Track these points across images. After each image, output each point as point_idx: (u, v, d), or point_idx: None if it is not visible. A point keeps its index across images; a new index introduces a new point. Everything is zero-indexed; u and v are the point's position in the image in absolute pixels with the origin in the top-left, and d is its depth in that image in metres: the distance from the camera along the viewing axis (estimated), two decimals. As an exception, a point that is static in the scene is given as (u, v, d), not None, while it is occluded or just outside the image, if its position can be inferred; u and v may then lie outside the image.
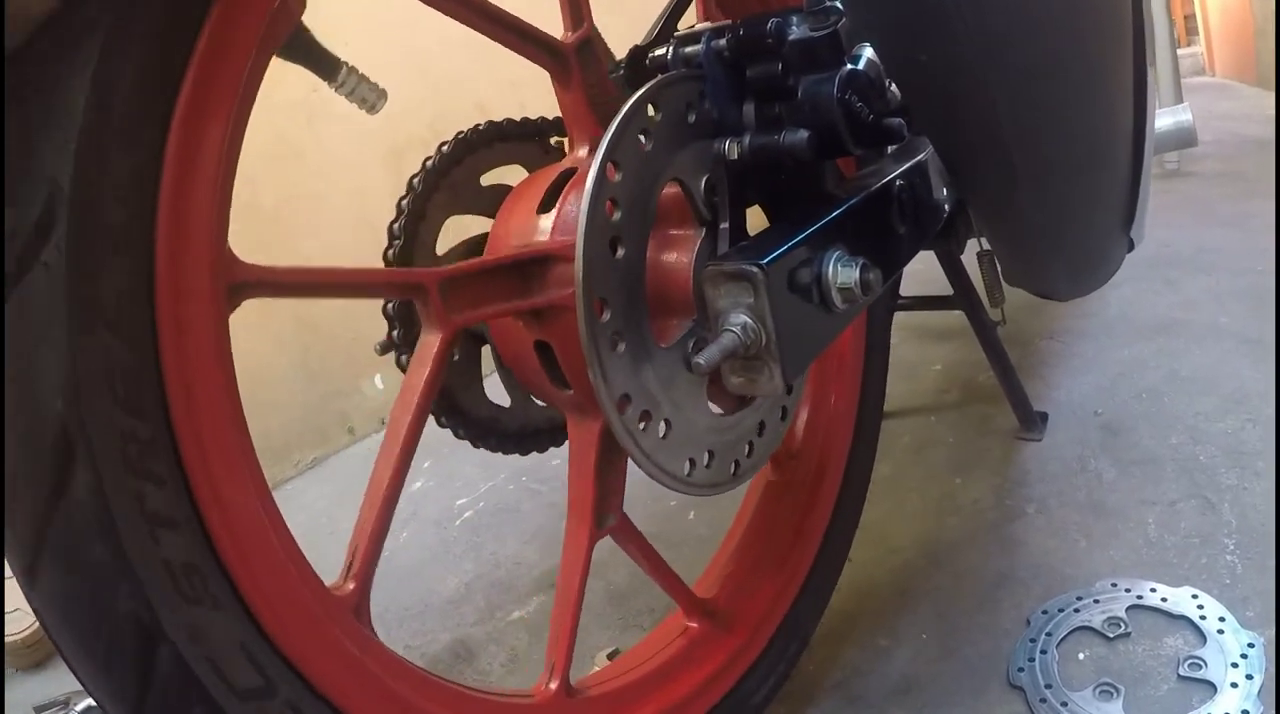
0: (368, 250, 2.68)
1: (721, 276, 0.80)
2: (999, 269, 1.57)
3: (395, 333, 1.06)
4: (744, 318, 0.80)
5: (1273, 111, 5.70)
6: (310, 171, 2.72)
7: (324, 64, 1.20)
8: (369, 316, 2.90)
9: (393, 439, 0.88)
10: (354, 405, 2.89)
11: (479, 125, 1.13)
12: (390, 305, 1.05)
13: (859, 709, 1.32)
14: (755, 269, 0.79)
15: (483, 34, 0.99)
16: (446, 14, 0.94)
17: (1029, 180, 0.93)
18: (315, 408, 2.73)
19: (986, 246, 1.63)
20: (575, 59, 1.02)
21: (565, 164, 1.03)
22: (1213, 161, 4.28)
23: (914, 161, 1.06)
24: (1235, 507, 1.57)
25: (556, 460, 2.36)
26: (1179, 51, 6.03)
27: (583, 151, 1.03)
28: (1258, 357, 2.12)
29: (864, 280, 0.86)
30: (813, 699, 1.35)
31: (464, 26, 0.95)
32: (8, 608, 1.89)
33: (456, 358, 1.17)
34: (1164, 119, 2.86)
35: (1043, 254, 1.13)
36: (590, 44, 1.03)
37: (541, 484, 2.24)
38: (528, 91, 3.32)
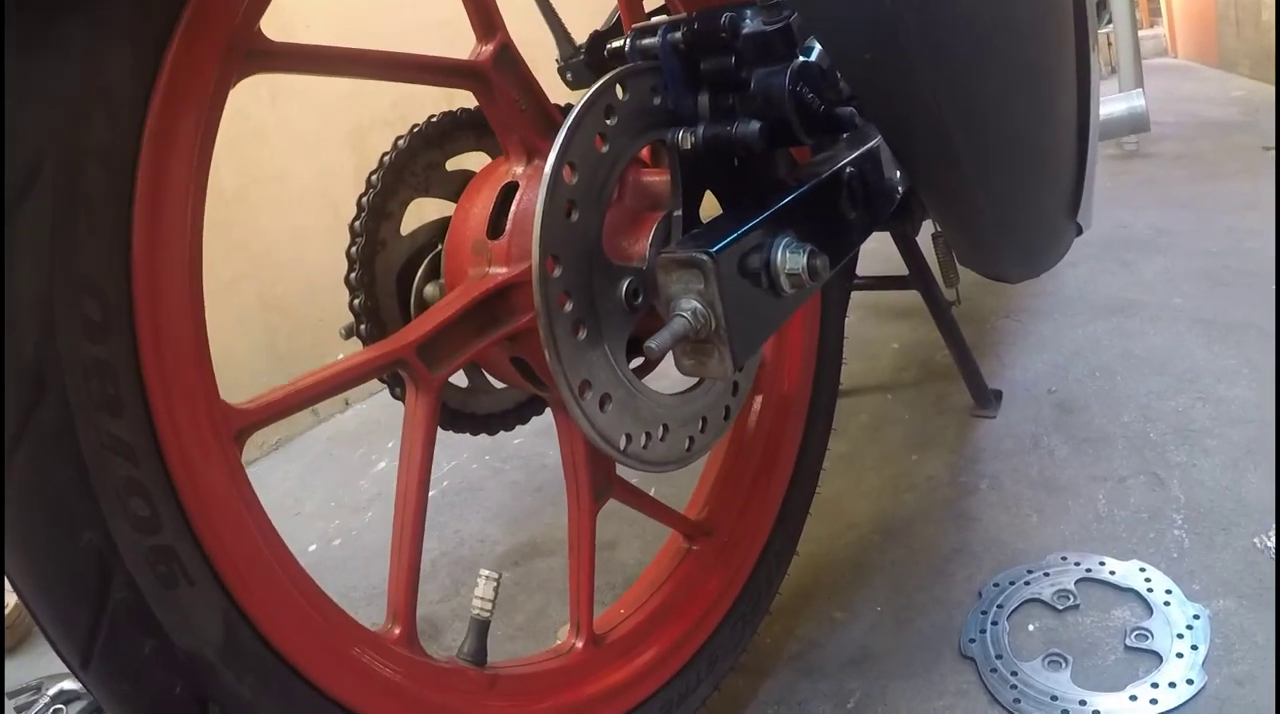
0: (332, 233, 2.69)
1: (673, 263, 0.83)
2: (953, 251, 1.61)
3: (362, 327, 1.08)
4: (694, 303, 0.83)
5: (1234, 93, 5.78)
6: (273, 151, 2.72)
7: None
8: (335, 297, 2.90)
9: (402, 507, 0.93)
10: (318, 386, 2.91)
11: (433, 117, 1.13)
12: (357, 300, 1.07)
13: (815, 680, 1.35)
14: (705, 257, 0.82)
15: (400, 82, 1.00)
16: (363, 78, 0.97)
17: (973, 170, 0.97)
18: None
19: (934, 218, 1.67)
20: (494, 72, 0.99)
21: (504, 179, 1.02)
22: (1172, 143, 4.34)
23: (864, 148, 1.09)
24: (1184, 483, 1.62)
25: (518, 440, 2.40)
26: (1141, 33, 6.09)
27: (519, 166, 1.02)
28: (1210, 337, 2.18)
29: (811, 266, 0.89)
30: (770, 671, 1.38)
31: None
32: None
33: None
34: (1118, 104, 2.90)
35: (991, 239, 1.17)
36: (507, 50, 1.00)
37: (503, 463, 2.27)
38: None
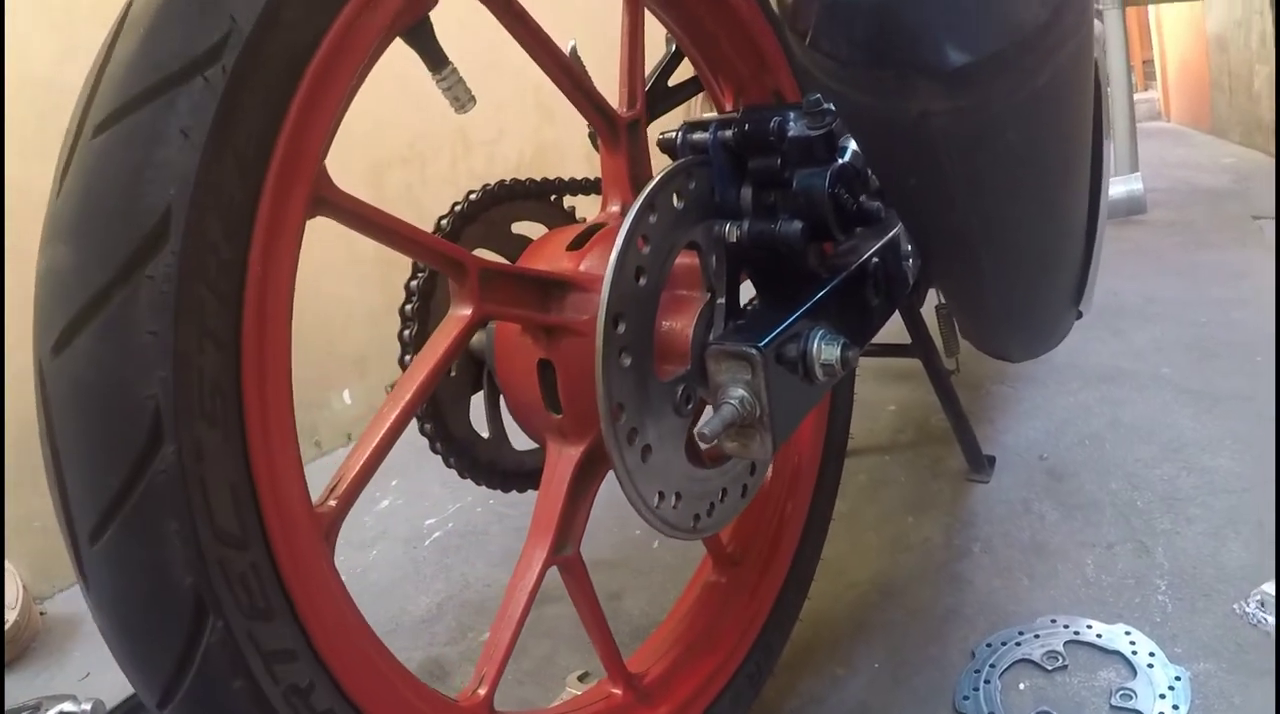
0: (346, 268, 2.76)
1: (723, 355, 0.93)
2: (955, 324, 1.71)
3: (408, 332, 1.14)
4: (742, 392, 0.92)
5: (1225, 161, 5.90)
6: None
7: (435, 57, 1.27)
8: (345, 330, 2.96)
9: (404, 388, 0.94)
10: (323, 419, 2.95)
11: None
12: (409, 305, 1.14)
13: (816, 734, 1.44)
14: (754, 351, 0.92)
15: (561, 90, 1.10)
16: (543, 69, 1.06)
17: (994, 275, 1.07)
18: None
19: (944, 301, 1.76)
20: (626, 132, 1.14)
21: (597, 218, 1.15)
22: (1164, 210, 4.44)
23: (887, 238, 1.20)
24: (1168, 550, 1.71)
25: (521, 485, 2.47)
26: (1136, 96, 6.24)
27: (615, 207, 1.15)
28: (1197, 408, 2.28)
29: (844, 357, 1.00)
30: (773, 724, 1.46)
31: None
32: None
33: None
34: (1117, 187, 3.02)
35: (1000, 326, 1.28)
36: (639, 124, 1.14)
37: (510, 508, 2.33)
38: (508, 114, 3.41)
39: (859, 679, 1.52)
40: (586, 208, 1.32)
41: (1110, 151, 1.33)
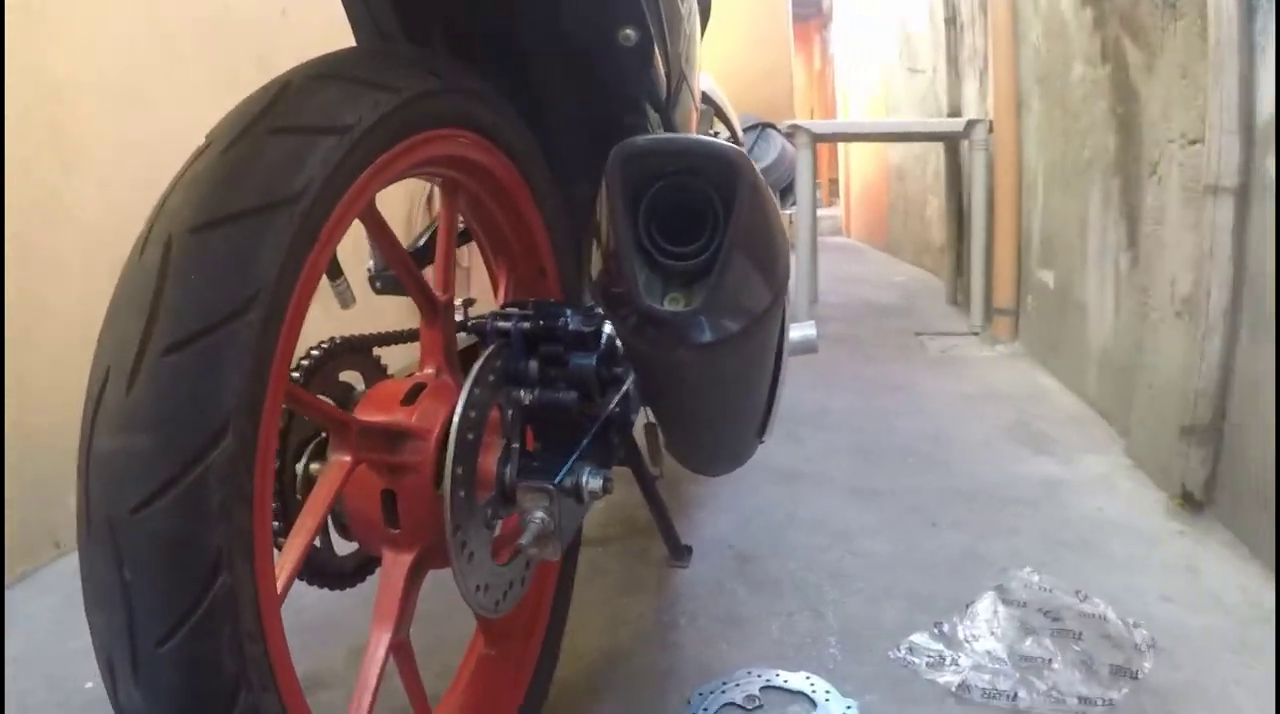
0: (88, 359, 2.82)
1: (530, 489, 1.35)
2: (661, 441, 2.16)
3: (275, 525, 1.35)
4: (542, 514, 1.34)
5: (897, 278, 6.63)
6: (34, 275, 2.68)
7: (334, 270, 1.55)
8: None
9: (306, 521, 1.19)
10: (61, 519, 2.82)
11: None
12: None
13: (561, 783, 1.74)
14: (551, 487, 1.34)
15: (399, 277, 1.38)
16: (388, 260, 1.37)
17: (703, 428, 1.56)
18: (20, 519, 2.70)
19: (652, 419, 2.15)
20: (443, 311, 1.42)
21: (417, 378, 1.40)
22: (838, 325, 5.02)
23: (623, 391, 1.65)
24: (837, 616, 2.12)
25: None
26: (820, 211, 6.94)
27: (430, 370, 1.43)
28: (860, 503, 2.77)
29: (605, 486, 1.44)
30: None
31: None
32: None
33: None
34: (795, 333, 3.52)
35: (702, 456, 1.77)
36: (450, 305, 1.44)
37: (291, 600, 2.41)
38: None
39: (598, 730, 1.83)
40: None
41: (789, 308, 1.72)
